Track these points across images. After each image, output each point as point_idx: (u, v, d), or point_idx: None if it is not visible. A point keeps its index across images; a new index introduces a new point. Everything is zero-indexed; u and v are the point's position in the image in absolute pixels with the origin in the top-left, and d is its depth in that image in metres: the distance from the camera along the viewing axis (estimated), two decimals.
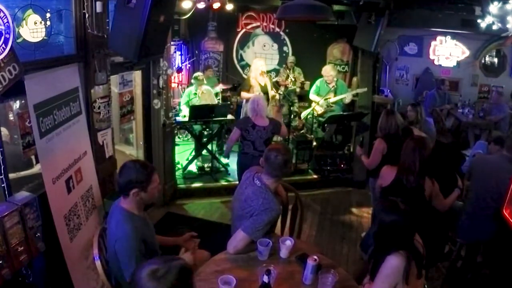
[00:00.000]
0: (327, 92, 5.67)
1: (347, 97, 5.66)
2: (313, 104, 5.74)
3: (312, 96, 5.86)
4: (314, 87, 5.88)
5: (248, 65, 6.77)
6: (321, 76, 5.82)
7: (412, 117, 4.45)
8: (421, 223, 2.83)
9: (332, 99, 5.70)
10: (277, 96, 5.87)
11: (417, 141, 2.87)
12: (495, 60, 6.86)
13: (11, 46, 2.08)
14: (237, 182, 3.72)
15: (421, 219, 2.84)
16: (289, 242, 2.34)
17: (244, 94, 5.59)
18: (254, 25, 6.99)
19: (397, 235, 1.97)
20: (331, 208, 5.08)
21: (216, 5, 4.60)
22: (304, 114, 6.04)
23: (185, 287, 1.35)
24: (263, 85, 5.64)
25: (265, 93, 5.67)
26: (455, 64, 6.95)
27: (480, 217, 3.13)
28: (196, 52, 7.09)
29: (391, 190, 2.84)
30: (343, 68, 6.98)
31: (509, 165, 3.08)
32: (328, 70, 5.73)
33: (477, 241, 3.23)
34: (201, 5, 4.35)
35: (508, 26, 4.97)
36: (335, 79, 5.73)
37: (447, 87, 6.53)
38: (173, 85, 6.06)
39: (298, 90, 6.43)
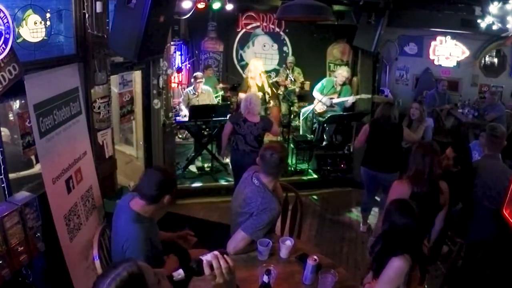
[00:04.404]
0: (332, 92, 5.68)
1: (349, 100, 5.66)
2: (315, 101, 5.73)
3: (315, 93, 5.84)
4: (319, 85, 5.83)
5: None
6: (324, 76, 5.81)
7: (416, 115, 4.45)
8: (428, 226, 2.85)
9: (335, 100, 5.71)
10: (275, 96, 5.89)
11: (425, 147, 2.78)
12: (495, 60, 6.86)
13: (11, 46, 2.08)
14: None
15: (432, 223, 2.86)
16: (289, 242, 2.34)
17: (242, 95, 5.61)
18: (254, 25, 6.99)
19: (406, 238, 1.96)
20: (331, 208, 5.08)
21: (216, 5, 4.61)
22: (304, 110, 6.04)
23: None
24: (260, 85, 5.65)
25: (263, 93, 5.69)
26: (455, 64, 6.94)
27: (480, 216, 3.13)
28: (196, 52, 7.09)
29: None
30: None
31: (496, 161, 3.16)
32: (342, 72, 5.69)
33: (478, 241, 3.23)
34: (201, 5, 4.36)
35: (508, 26, 4.96)
36: (346, 82, 5.72)
37: (444, 87, 6.52)
38: (173, 85, 6.06)
39: (297, 90, 6.43)
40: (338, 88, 5.70)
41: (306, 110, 6.01)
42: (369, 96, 5.52)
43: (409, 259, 1.93)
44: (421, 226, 1.98)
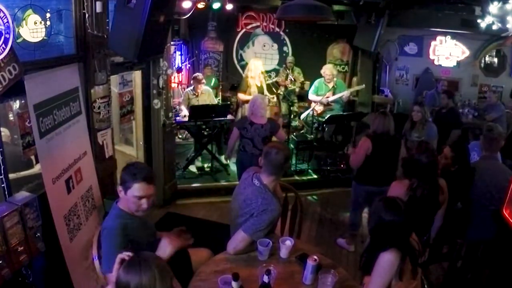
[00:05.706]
0: (326, 91, 5.68)
1: (345, 94, 5.67)
2: (312, 104, 5.74)
3: (311, 96, 5.87)
4: (313, 87, 5.90)
5: None
6: (321, 76, 5.83)
7: (418, 118, 4.31)
8: (429, 225, 2.85)
9: (331, 97, 5.71)
10: (274, 98, 5.89)
11: (426, 150, 2.74)
12: (495, 60, 6.86)
13: (11, 46, 2.08)
14: (237, 182, 3.74)
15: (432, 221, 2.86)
16: (289, 242, 2.34)
17: (241, 96, 5.62)
18: (254, 25, 7.00)
19: (393, 234, 1.98)
20: (331, 208, 5.08)
21: (216, 5, 4.61)
22: (303, 115, 6.04)
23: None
24: (259, 85, 5.66)
25: (262, 93, 5.69)
26: (455, 64, 6.95)
27: (480, 217, 3.13)
28: (196, 52, 7.09)
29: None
30: (343, 68, 6.98)
31: (494, 162, 3.17)
32: (325, 69, 5.76)
33: (478, 240, 3.23)
34: (201, 5, 4.36)
35: (508, 26, 4.97)
36: (334, 79, 5.74)
37: (444, 87, 6.52)
38: (173, 85, 6.07)
39: (297, 90, 6.44)
40: (331, 85, 5.71)
41: (305, 114, 6.01)
42: (363, 86, 5.50)
43: (398, 252, 1.95)
44: (407, 221, 2.00)
